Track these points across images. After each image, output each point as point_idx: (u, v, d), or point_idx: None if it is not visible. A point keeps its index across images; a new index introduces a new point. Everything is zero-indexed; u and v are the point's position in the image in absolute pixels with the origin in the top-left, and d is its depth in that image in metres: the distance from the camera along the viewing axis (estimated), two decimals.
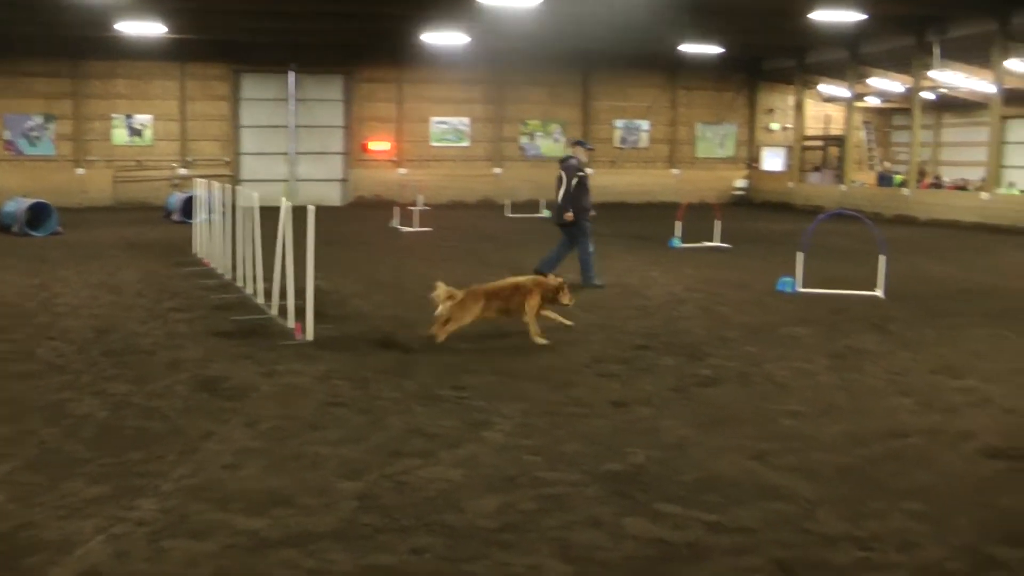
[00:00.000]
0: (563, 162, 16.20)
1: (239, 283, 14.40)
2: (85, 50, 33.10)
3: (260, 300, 13.00)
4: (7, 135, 33.71)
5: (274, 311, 12.16)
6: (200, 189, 18.31)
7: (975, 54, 30.02)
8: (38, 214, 23.67)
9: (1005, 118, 32.82)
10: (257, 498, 6.05)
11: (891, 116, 43.07)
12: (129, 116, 34.47)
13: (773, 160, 40.96)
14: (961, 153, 39.68)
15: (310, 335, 10.83)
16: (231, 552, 5.29)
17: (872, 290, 14.58)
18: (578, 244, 15.73)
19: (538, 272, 14.07)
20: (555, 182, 16.02)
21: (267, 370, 9.47)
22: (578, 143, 17.15)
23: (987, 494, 6.34)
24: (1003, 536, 5.65)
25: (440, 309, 10.76)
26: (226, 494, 6.11)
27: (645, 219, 29.47)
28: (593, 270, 15.56)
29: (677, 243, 21.37)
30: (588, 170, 16.38)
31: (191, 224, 20.24)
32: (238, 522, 5.67)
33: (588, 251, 15.59)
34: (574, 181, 15.69)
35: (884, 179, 36.12)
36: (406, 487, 6.26)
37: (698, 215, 25.35)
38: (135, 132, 34.59)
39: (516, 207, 31.79)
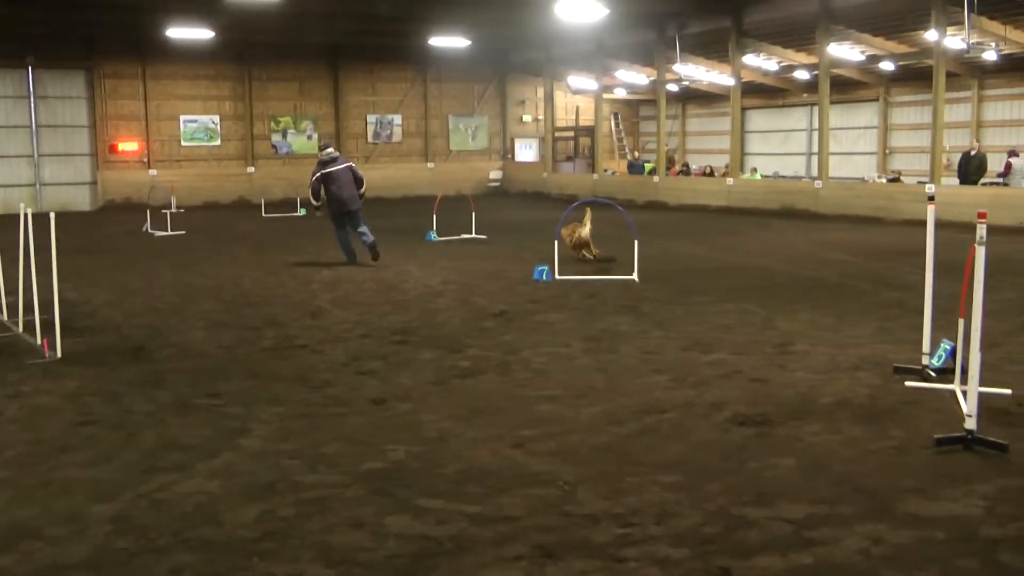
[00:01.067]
0: (336, 160, 17.61)
1: None
2: None
3: (4, 316, 12.30)
4: None
5: (20, 328, 11.54)
6: None
7: (714, 49, 31.57)
8: None
9: (745, 109, 34.47)
10: (1, 534, 5.66)
11: (638, 107, 44.55)
12: None
13: (526, 151, 41.71)
14: (706, 142, 41.40)
15: (58, 351, 10.30)
16: None
17: (626, 274, 14.99)
18: (362, 224, 17.57)
19: (352, 258, 17.60)
20: (338, 176, 17.37)
21: (12, 392, 8.92)
22: (329, 145, 18.41)
23: (737, 459, 6.62)
24: (753, 497, 5.91)
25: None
26: None
27: (401, 213, 29.43)
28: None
29: (434, 236, 21.44)
30: None
31: None
32: None
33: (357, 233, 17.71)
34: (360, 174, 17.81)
35: (634, 167, 37.22)
36: (162, 504, 6.02)
37: (454, 207, 25.52)
38: None
39: (271, 206, 31.25)
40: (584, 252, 17.18)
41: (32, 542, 5.52)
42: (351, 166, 17.62)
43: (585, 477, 6.30)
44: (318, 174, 17.43)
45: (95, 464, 6.83)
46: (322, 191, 17.36)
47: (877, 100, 34.32)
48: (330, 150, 17.91)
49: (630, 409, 7.88)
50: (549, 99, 38.48)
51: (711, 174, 34.69)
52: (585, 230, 16.50)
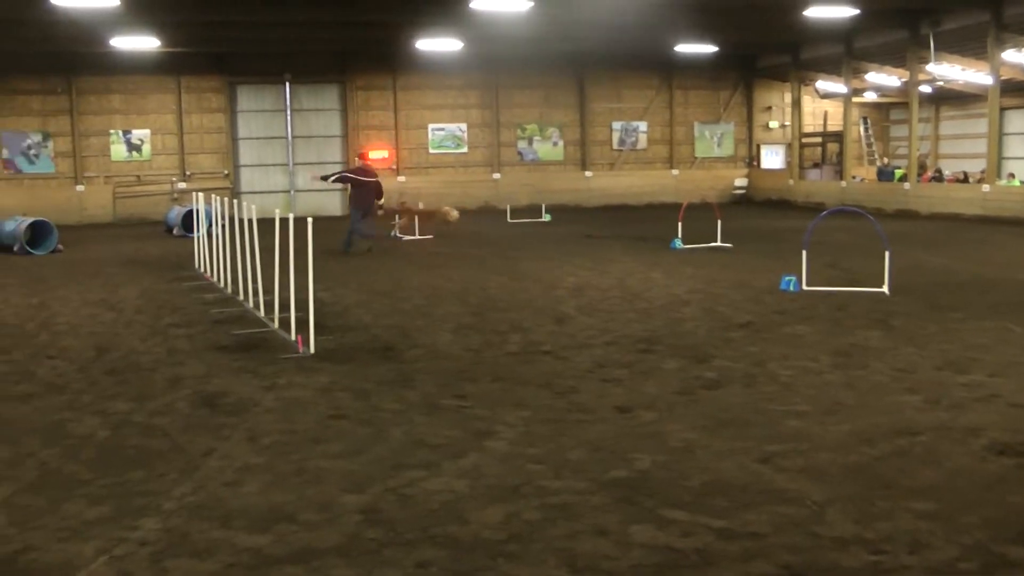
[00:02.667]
0: (369, 172, 22.63)
1: (240, 296, 14.37)
2: (80, 66, 33.26)
3: (261, 313, 12.97)
4: (5, 153, 33.86)
5: (275, 324, 12.13)
6: (199, 203, 18.30)
7: (970, 46, 29.97)
8: (38, 232, 23.68)
9: (1003, 109, 32.75)
10: (259, 515, 6.00)
11: (888, 111, 43.02)
12: (127, 131, 34.51)
13: (772, 158, 40.87)
14: (960, 145, 39.63)
15: (311, 347, 10.77)
16: (234, 571, 5.24)
17: (875, 286, 14.50)
18: (363, 221, 22.26)
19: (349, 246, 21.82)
20: (365, 185, 22.06)
21: (268, 384, 9.42)
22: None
23: (996, 491, 6.25)
24: (1015, 535, 5.56)
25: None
26: (228, 511, 6.07)
27: (645, 221, 29.40)
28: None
29: (678, 244, 21.28)
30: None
31: (191, 238, 20.24)
32: (240, 540, 5.62)
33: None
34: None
35: (884, 174, 36.04)
36: (410, 500, 6.20)
37: (698, 215, 25.28)
38: (133, 147, 34.63)
39: (517, 212, 31.75)
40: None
41: (288, 525, 5.82)
42: (378, 181, 22.51)
43: (834, 497, 6.12)
44: (351, 176, 22.33)
45: (346, 456, 7.11)
46: (348, 188, 22.70)
47: None
48: (363, 163, 23.49)
49: (881, 429, 7.58)
50: (796, 104, 37.64)
51: (965, 180, 33.20)
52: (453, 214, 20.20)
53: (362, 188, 22.15)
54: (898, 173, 35.03)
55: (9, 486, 6.64)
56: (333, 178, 23.07)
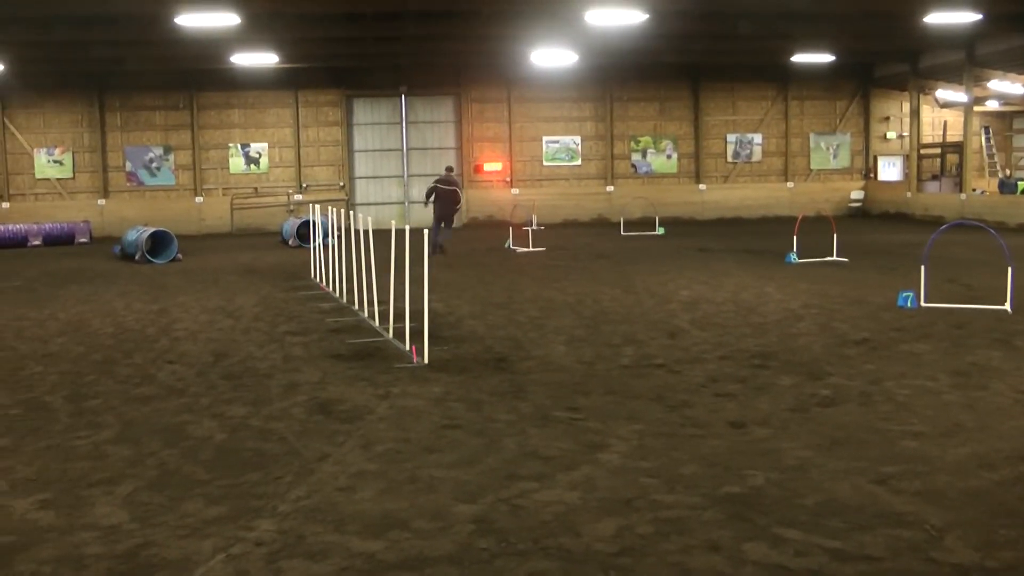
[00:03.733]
0: (448, 182, 24.59)
1: (355, 306, 14.57)
2: (201, 82, 34.25)
3: (376, 323, 13.13)
4: (128, 167, 34.87)
5: (390, 334, 12.28)
6: (316, 214, 18.63)
7: None
8: (159, 242, 24.40)
9: None
10: (373, 521, 6.09)
11: (1012, 120, 41.77)
12: (245, 145, 35.30)
13: (889, 169, 40.01)
14: None
15: (425, 357, 10.87)
16: (347, 574, 5.34)
17: (997, 303, 14.11)
18: (448, 230, 24.98)
19: (434, 251, 21.95)
20: (442, 194, 24.20)
21: (382, 392, 9.54)
22: (452, 169, 26.59)
23: None
24: None
25: None
26: (342, 516, 6.17)
27: (759, 234, 29.07)
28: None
29: (793, 258, 20.97)
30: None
31: (307, 249, 20.60)
32: (354, 544, 5.72)
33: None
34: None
35: (1006, 186, 35.07)
36: (522, 510, 6.22)
37: (814, 228, 24.91)
38: (251, 160, 35.38)
39: (631, 225, 31.66)
40: None
41: (401, 532, 5.90)
42: (455, 190, 24.60)
43: (953, 523, 5.95)
44: (433, 186, 24.42)
45: (459, 466, 7.16)
46: (431, 198, 24.19)
47: None
48: (445, 174, 25.18)
49: (1003, 453, 7.34)
50: (915, 114, 36.77)
51: None
52: None
53: (441, 197, 24.08)
54: (1021, 185, 34.06)
55: (131, 484, 6.88)
56: (426, 196, 24.66)
